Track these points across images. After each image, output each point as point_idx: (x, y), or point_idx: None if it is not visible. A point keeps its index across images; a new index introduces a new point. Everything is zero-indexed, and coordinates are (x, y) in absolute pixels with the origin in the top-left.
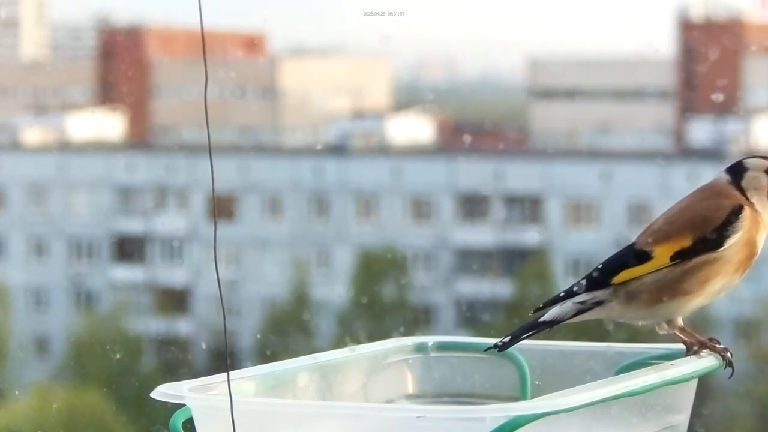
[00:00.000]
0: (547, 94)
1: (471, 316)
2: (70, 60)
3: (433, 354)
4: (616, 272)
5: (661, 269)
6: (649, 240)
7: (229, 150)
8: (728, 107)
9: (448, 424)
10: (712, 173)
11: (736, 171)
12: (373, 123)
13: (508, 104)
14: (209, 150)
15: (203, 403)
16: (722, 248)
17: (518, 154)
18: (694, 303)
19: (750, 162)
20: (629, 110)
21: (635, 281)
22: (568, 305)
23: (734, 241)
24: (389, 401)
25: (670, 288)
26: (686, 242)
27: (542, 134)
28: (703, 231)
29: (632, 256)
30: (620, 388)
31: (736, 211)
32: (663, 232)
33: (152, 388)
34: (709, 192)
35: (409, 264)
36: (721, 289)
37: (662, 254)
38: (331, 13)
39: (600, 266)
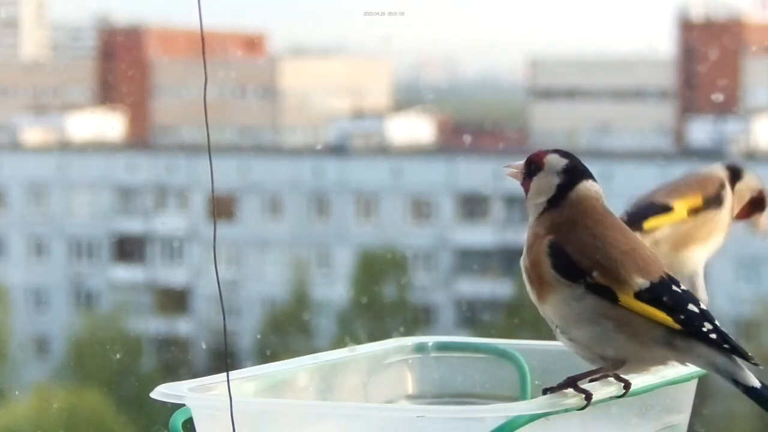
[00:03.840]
0: (547, 94)
1: (471, 316)
2: (70, 60)
3: (433, 354)
4: (647, 218)
5: (678, 221)
6: (669, 196)
7: (229, 150)
8: (728, 107)
9: (448, 424)
10: None
11: (736, 173)
12: (373, 123)
13: (508, 104)
14: (209, 150)
15: (203, 403)
16: (722, 207)
17: (518, 154)
18: (702, 254)
19: (748, 175)
20: (629, 110)
21: (658, 231)
22: None
23: (727, 204)
24: (389, 401)
25: (686, 238)
26: (698, 201)
27: (542, 134)
28: (709, 193)
29: (656, 207)
30: (614, 391)
31: (723, 185)
32: (678, 192)
33: (152, 388)
34: (705, 172)
35: (409, 264)
36: (719, 244)
37: (681, 208)
38: (331, 13)
39: (626, 213)
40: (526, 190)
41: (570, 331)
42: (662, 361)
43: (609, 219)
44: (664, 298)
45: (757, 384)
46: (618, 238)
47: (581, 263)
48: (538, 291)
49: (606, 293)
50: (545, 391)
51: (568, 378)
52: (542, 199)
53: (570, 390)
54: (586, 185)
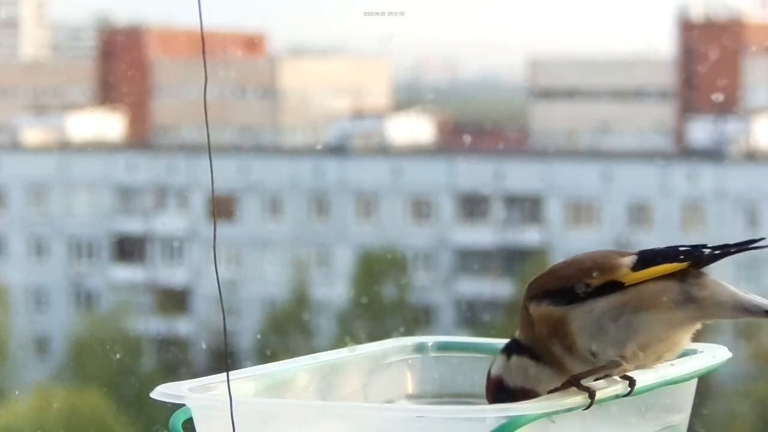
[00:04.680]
0: (547, 94)
1: (471, 316)
2: (70, 60)
3: (433, 354)
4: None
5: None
6: None
7: (229, 150)
8: (728, 107)
9: (448, 424)
10: (712, 173)
11: None
12: (373, 123)
13: (508, 104)
14: (209, 150)
15: (203, 403)
16: None
17: (518, 154)
18: None
19: None
20: (629, 110)
21: None
22: None
23: None
24: (389, 401)
25: None
26: None
27: (542, 134)
28: None
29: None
30: (619, 389)
31: None
32: None
33: (152, 388)
34: None
35: (409, 264)
36: None
37: None
38: (331, 13)
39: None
40: None
41: (602, 342)
42: (689, 323)
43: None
44: (658, 253)
45: None
46: (573, 258)
47: (568, 284)
48: (562, 344)
49: (609, 287)
50: (550, 392)
51: (571, 376)
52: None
53: (574, 388)
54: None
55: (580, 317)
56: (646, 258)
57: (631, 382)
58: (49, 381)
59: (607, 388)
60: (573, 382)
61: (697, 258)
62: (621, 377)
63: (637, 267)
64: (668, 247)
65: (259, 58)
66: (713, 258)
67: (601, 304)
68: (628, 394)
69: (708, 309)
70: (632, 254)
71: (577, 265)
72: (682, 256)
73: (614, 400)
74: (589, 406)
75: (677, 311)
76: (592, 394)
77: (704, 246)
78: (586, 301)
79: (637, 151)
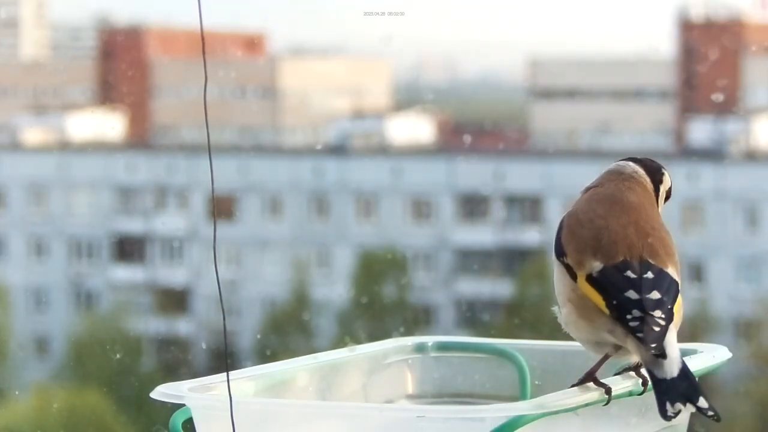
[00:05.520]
0: (547, 94)
1: (471, 316)
2: (70, 60)
3: (433, 354)
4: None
5: None
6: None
7: (229, 150)
8: (728, 107)
9: (448, 424)
10: (712, 173)
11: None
12: (373, 123)
13: (508, 104)
14: (209, 150)
15: (203, 403)
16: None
17: (518, 154)
18: None
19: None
20: (629, 110)
21: None
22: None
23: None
24: (389, 401)
25: None
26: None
27: (542, 134)
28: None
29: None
30: (620, 389)
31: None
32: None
33: (152, 388)
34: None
35: (409, 264)
36: None
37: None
38: (331, 13)
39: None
40: None
41: (558, 301)
42: (604, 348)
43: (609, 192)
44: (608, 283)
45: (668, 376)
46: (600, 214)
47: (563, 241)
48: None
49: (572, 274)
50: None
51: (587, 373)
52: None
53: (591, 384)
54: (615, 164)
55: (556, 272)
56: (605, 276)
57: (644, 381)
58: (49, 381)
59: (621, 384)
60: (589, 378)
61: (618, 316)
62: (637, 374)
63: (591, 278)
64: (636, 280)
65: (259, 58)
66: (627, 326)
67: (561, 282)
68: (642, 393)
69: (623, 344)
70: (607, 262)
71: (585, 234)
72: (615, 302)
73: (614, 400)
74: (607, 402)
75: (603, 335)
76: (608, 390)
77: (643, 310)
78: (561, 266)
79: (637, 151)
